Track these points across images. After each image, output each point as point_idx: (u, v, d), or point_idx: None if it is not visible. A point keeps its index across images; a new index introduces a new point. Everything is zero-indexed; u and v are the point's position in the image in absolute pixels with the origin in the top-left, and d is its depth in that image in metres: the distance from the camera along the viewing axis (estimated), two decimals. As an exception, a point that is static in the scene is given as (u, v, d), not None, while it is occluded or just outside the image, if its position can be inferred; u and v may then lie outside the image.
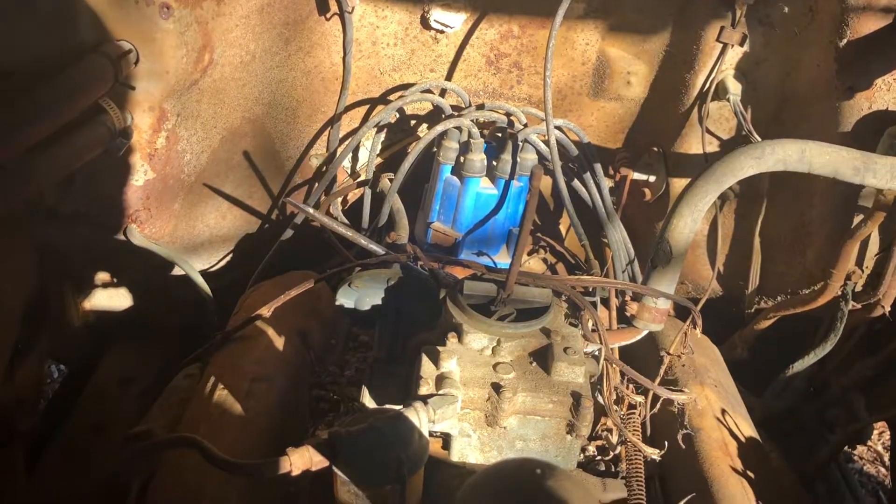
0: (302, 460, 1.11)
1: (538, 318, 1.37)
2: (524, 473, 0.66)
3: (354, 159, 2.10)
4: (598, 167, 1.99)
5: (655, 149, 2.04)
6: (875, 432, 3.09)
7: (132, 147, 1.64)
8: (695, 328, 1.50)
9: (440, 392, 1.27)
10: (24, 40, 1.42)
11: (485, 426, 1.29)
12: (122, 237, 1.73)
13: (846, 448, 2.45)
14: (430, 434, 1.25)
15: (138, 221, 1.73)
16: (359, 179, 2.07)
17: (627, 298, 1.61)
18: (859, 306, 1.83)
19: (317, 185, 2.03)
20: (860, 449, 3.38)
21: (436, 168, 1.92)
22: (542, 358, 1.33)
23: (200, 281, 1.91)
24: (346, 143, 2.00)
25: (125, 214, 1.72)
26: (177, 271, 1.91)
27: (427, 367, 1.31)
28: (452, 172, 1.91)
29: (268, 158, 1.99)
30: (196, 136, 1.76)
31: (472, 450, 1.31)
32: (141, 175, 1.68)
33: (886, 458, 3.45)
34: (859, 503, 2.23)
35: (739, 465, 1.49)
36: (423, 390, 1.27)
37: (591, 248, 1.96)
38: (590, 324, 1.44)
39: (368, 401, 1.44)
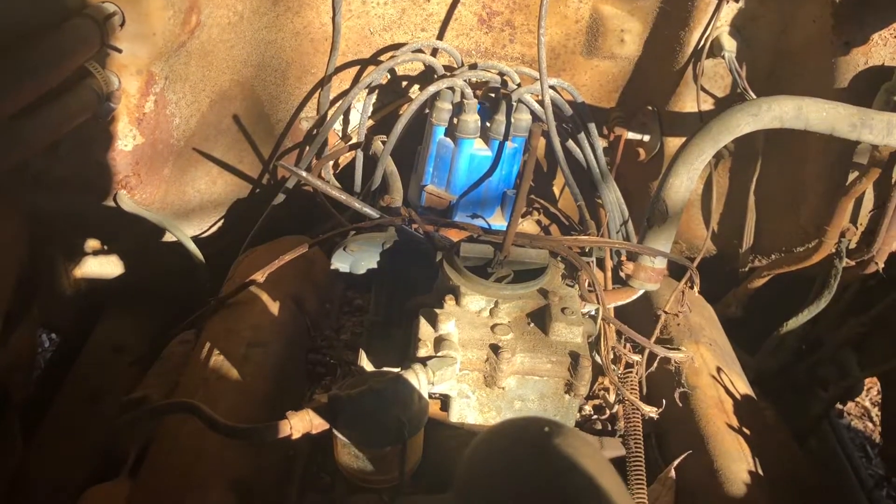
0: (302, 423, 1.11)
1: (535, 280, 1.37)
2: (532, 431, 0.66)
3: (346, 122, 2.08)
4: (593, 127, 1.97)
5: (650, 108, 2.02)
6: (864, 389, 3.13)
7: (120, 112, 1.61)
8: (692, 287, 1.50)
9: (438, 354, 1.26)
10: (6, 3, 1.38)
11: (483, 387, 1.30)
12: (111, 203, 1.71)
13: (837, 404, 2.47)
14: (430, 396, 1.26)
15: (128, 187, 1.71)
16: (350, 142, 2.04)
17: (623, 259, 1.61)
18: (853, 263, 1.84)
19: (308, 148, 2.00)
20: (848, 405, 3.43)
21: (429, 130, 1.90)
22: (540, 319, 1.33)
23: (192, 247, 1.90)
24: (337, 105, 1.97)
25: (114, 180, 1.69)
26: (168, 237, 1.90)
27: (425, 329, 1.30)
28: (446, 134, 1.88)
29: (257, 122, 1.96)
30: (185, 99, 1.73)
31: (471, 410, 1.32)
32: (129, 140, 1.65)
33: (874, 413, 3.51)
34: (849, 457, 2.26)
35: (735, 422, 1.51)
36: (422, 352, 1.27)
37: (586, 209, 1.95)
38: (587, 284, 1.44)
39: (366, 364, 1.44)
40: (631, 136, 2.04)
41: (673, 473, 1.42)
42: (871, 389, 3.48)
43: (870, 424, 3.52)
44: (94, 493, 1.32)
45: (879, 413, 3.49)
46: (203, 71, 1.74)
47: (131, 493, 1.24)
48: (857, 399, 3.43)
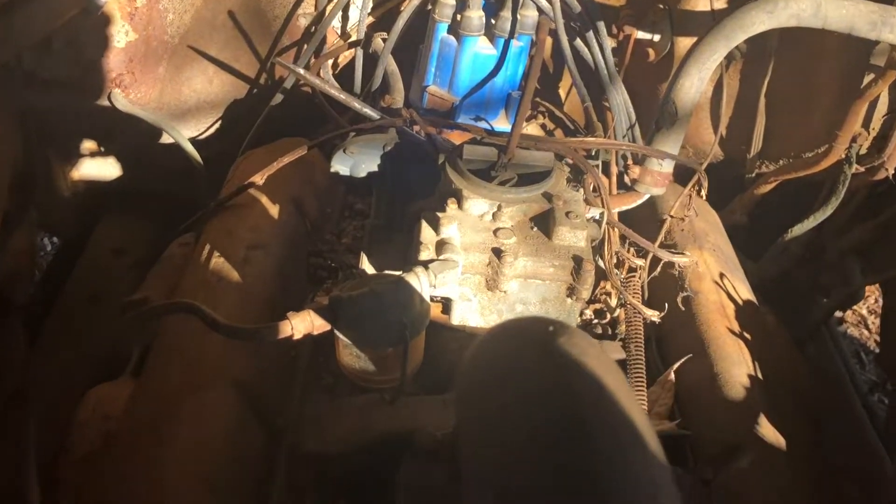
0: (303, 324, 1.11)
1: (540, 183, 1.34)
2: (536, 330, 0.64)
3: (345, 18, 2.00)
4: (601, 25, 1.90)
5: (661, 6, 1.94)
6: (861, 296, 3.15)
7: (111, 7, 1.55)
8: (700, 191, 1.47)
9: (440, 257, 1.25)
10: None
11: (485, 290, 1.29)
12: (106, 103, 1.67)
13: (837, 312, 2.48)
14: (431, 299, 1.25)
15: (122, 86, 1.66)
16: (350, 40, 1.98)
17: (629, 162, 1.58)
18: (863, 169, 1.80)
19: (306, 46, 1.94)
20: (846, 312, 3.46)
21: (431, 26, 1.83)
22: (544, 222, 1.31)
23: (190, 148, 1.86)
24: (336, 0, 1.89)
25: (108, 78, 1.65)
26: (165, 139, 1.86)
27: (427, 232, 1.29)
28: (449, 31, 1.82)
29: (253, 18, 1.89)
30: (177, -7, 1.66)
31: (473, 314, 1.32)
32: (122, 36, 1.60)
33: (870, 321, 3.55)
34: (846, 363, 2.29)
35: (736, 327, 1.51)
36: (423, 256, 1.26)
37: (593, 111, 1.90)
38: (592, 188, 1.42)
39: (367, 267, 1.43)
40: (641, 35, 1.97)
41: (672, 377, 1.43)
42: (869, 298, 3.51)
43: (865, 332, 3.56)
44: (97, 392, 1.33)
45: (876, 321, 3.52)
46: (195, -37, 1.67)
47: (133, 393, 1.25)
48: (854, 307, 3.46)
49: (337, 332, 1.14)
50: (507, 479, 0.55)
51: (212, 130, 2.01)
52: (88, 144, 1.99)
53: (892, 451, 1.67)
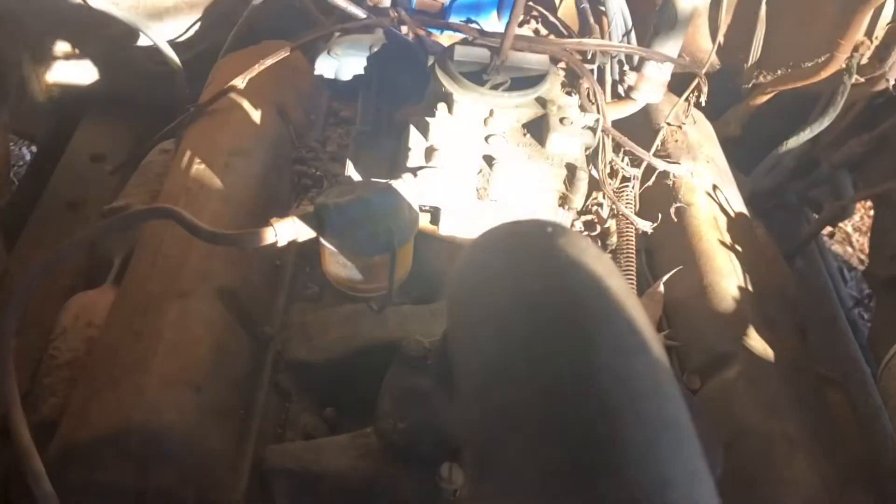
0: (287, 231, 1.08)
1: (534, 87, 1.29)
2: (534, 232, 0.62)
3: (329, -89, 1.90)
4: (598, -77, 1.81)
5: None
6: (846, 214, 3.15)
7: None
8: (699, 97, 1.43)
9: (429, 164, 1.21)
10: None
11: (475, 199, 1.26)
12: (79, 0, 1.59)
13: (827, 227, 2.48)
14: (420, 207, 1.22)
15: (94, -18, 1.58)
16: (334, -64, 1.88)
17: (625, 69, 1.53)
18: (863, 80, 1.76)
19: (288, -58, 1.84)
20: (830, 229, 3.47)
21: (420, -78, 1.74)
22: (537, 129, 1.27)
23: (169, 51, 1.79)
24: None
25: (79, -26, 1.57)
26: (143, 41, 1.79)
27: (415, 138, 1.24)
28: (439, -73, 1.73)
29: None
30: None
31: (462, 222, 1.29)
32: (92, -74, 1.51)
33: (854, 238, 3.56)
34: (832, 277, 2.30)
35: (728, 240, 1.49)
36: (412, 162, 1.22)
37: (590, 14, 1.82)
38: (587, 93, 1.37)
39: (354, 174, 1.39)
40: (640, -65, 1.88)
41: (662, 288, 1.42)
42: (854, 216, 3.52)
43: (849, 249, 3.58)
44: (79, 299, 1.31)
45: (860, 238, 3.54)
46: None
47: (116, 300, 1.23)
48: (840, 224, 3.46)
49: (323, 240, 1.11)
50: (501, 384, 0.53)
51: (191, 32, 1.94)
52: (63, 46, 1.91)
53: (874, 362, 1.69)
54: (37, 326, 1.31)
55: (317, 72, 1.45)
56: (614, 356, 0.51)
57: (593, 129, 1.30)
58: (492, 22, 1.81)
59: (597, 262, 0.57)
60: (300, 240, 1.10)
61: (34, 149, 2.94)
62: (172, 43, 1.87)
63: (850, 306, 2.28)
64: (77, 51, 1.93)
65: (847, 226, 3.62)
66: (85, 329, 1.24)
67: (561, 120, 1.25)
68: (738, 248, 1.48)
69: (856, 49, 1.72)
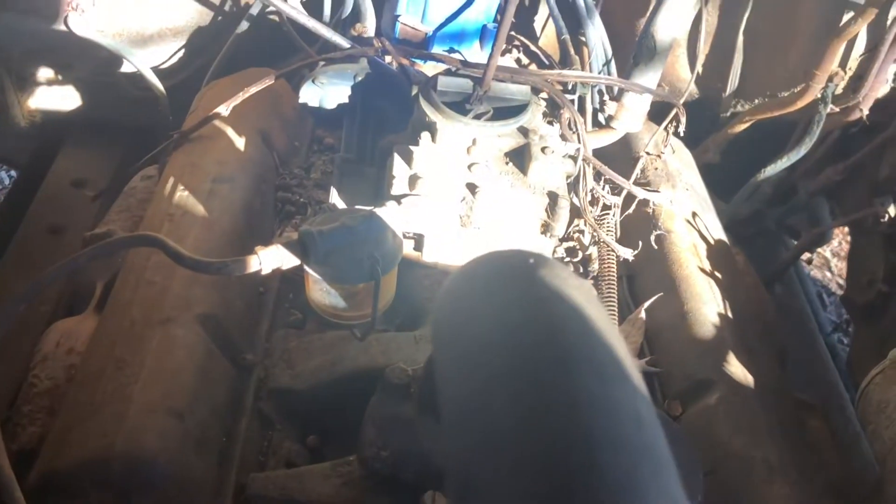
0: (272, 259, 1.08)
1: (515, 117, 1.31)
2: (516, 262, 0.63)
3: (313, -59, 1.92)
4: (579, -45, 1.85)
5: (640, -63, 1.89)
6: (825, 240, 3.20)
7: (65, -78, 1.47)
8: (677, 127, 1.45)
9: (413, 192, 1.22)
10: None
11: (458, 226, 1.27)
12: (62, 27, 1.60)
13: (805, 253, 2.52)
14: (403, 235, 1.23)
15: (79, 9, 1.59)
16: (319, -35, 1.90)
17: (605, 99, 1.55)
18: (837, 110, 1.80)
19: (273, -29, 1.86)
20: (807, 255, 3.52)
21: (404, -47, 1.76)
22: (519, 158, 1.29)
23: (152, 77, 1.80)
24: (305, -76, 1.81)
25: (63, 1, 1.57)
26: (126, 67, 1.79)
27: (399, 166, 1.26)
28: (422, -42, 1.75)
29: (219, -60, 1.81)
30: None
31: (445, 250, 1.30)
32: (78, -45, 1.52)
33: (833, 263, 3.61)
34: (811, 303, 2.32)
35: (707, 266, 1.51)
36: (396, 190, 1.23)
37: (571, 45, 1.85)
38: (568, 123, 1.39)
39: (337, 202, 1.39)
40: (619, -33, 1.92)
41: (643, 315, 1.44)
42: (833, 241, 3.57)
43: (828, 274, 3.63)
44: (60, 326, 1.30)
45: (839, 264, 3.59)
46: None
47: (97, 327, 1.22)
48: (818, 249, 3.51)
49: (307, 268, 1.12)
50: (483, 412, 0.54)
51: (175, 59, 1.94)
52: (45, 72, 1.91)
53: (853, 387, 1.71)
54: (16, 353, 1.30)
55: (301, 100, 1.46)
56: (594, 385, 0.52)
57: (574, 158, 1.32)
58: (474, 52, 1.83)
59: (577, 292, 0.58)
60: (284, 267, 1.11)
61: (13, 173, 2.94)
62: (156, 69, 1.87)
63: (829, 331, 2.31)
64: (60, 77, 1.93)
65: (826, 251, 3.67)
66: (66, 356, 1.23)
67: (542, 149, 1.27)
68: (718, 275, 1.50)
69: (830, 79, 1.76)
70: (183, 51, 1.94)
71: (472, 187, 1.23)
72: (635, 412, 0.52)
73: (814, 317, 2.26)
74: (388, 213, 1.16)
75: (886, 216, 1.87)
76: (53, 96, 1.96)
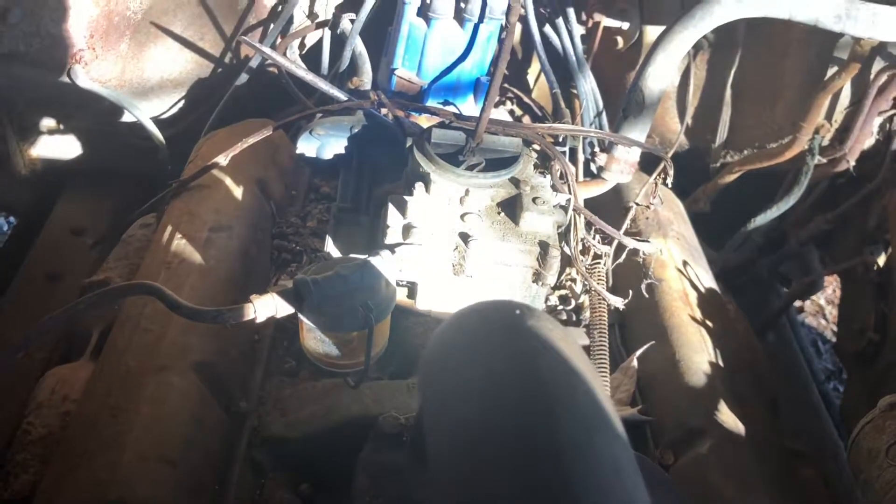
0: (266, 307, 1.10)
1: (507, 168, 1.34)
2: (503, 313, 0.64)
3: (312, -2, 1.98)
4: (571, 12, 1.90)
5: (630, -6, 1.95)
6: (819, 287, 3.22)
7: (71, -22, 1.51)
8: (665, 179, 1.48)
9: (407, 241, 1.24)
10: None
11: (451, 275, 1.29)
12: (66, 79, 1.63)
13: (797, 301, 2.54)
14: (397, 283, 1.24)
15: (83, 62, 1.63)
16: (318, 20, 1.95)
17: (596, 150, 1.58)
18: (825, 161, 1.84)
19: (272, 25, 1.91)
20: (804, 302, 3.54)
21: (400, 8, 1.81)
22: (511, 208, 1.31)
23: (152, 127, 1.83)
24: (304, -20, 1.87)
25: (68, 54, 1.61)
26: (127, 117, 1.82)
27: (393, 216, 1.28)
28: (418, 14, 1.80)
29: (220, -5, 1.86)
30: (140, -33, 1.63)
31: (438, 298, 1.31)
32: (83, 10, 1.56)
33: (828, 311, 3.62)
34: (804, 351, 2.34)
35: (698, 315, 1.53)
36: (390, 239, 1.25)
37: (561, 98, 1.90)
38: (559, 174, 1.42)
39: (333, 250, 1.41)
40: (609, 23, 1.97)
41: (635, 363, 1.45)
42: (827, 288, 3.59)
43: (823, 322, 3.64)
44: (56, 373, 1.30)
45: (834, 311, 3.60)
46: (159, -64, 1.63)
47: (93, 375, 1.23)
48: (813, 297, 3.53)
49: (301, 316, 1.13)
50: (471, 460, 0.55)
51: (175, 109, 1.98)
52: (47, 122, 1.94)
53: (846, 436, 1.71)
54: (11, 400, 1.31)
55: (299, 150, 1.49)
56: (576, 434, 0.54)
57: (565, 209, 1.35)
58: (469, 104, 1.87)
59: (562, 342, 0.60)
60: (279, 316, 1.12)
61: (12, 219, 2.96)
62: (157, 119, 1.91)
63: (822, 379, 2.32)
64: (62, 126, 1.96)
65: (820, 299, 3.68)
66: (61, 404, 1.24)
67: (534, 199, 1.29)
68: (709, 323, 1.52)
69: (817, 131, 1.80)
70: (183, 101, 1.97)
71: (464, 237, 1.25)
72: (615, 461, 0.53)
73: (807, 365, 2.27)
74: (381, 261, 1.18)
75: (876, 265, 1.90)
76: (54, 145, 1.98)
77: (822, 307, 3.70)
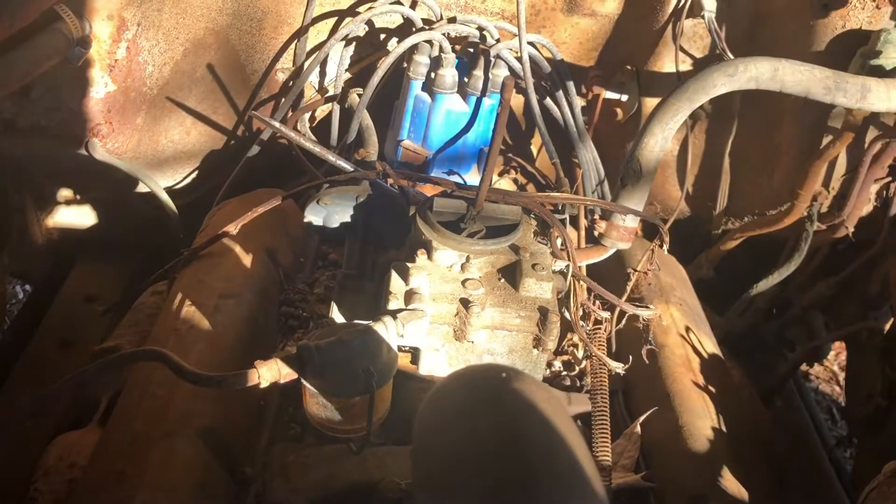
0: (270, 373, 1.12)
1: (507, 235, 1.37)
2: (490, 376, 0.67)
3: (322, 74, 2.05)
4: (571, 85, 1.97)
5: (629, 67, 2.01)
6: (832, 353, 3.20)
7: (91, 58, 1.58)
8: (662, 246, 1.51)
9: (409, 307, 1.27)
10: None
11: (453, 340, 1.31)
12: (83, 152, 1.69)
13: (804, 366, 2.53)
14: (399, 348, 1.26)
15: (100, 135, 1.69)
16: (327, 95, 2.02)
17: (596, 217, 1.62)
18: (824, 227, 1.86)
19: (283, 100, 1.98)
20: (817, 368, 3.51)
21: (406, 84, 1.88)
22: (511, 274, 1.34)
23: (165, 197, 1.88)
24: (314, 56, 1.94)
25: (86, 128, 1.67)
26: (141, 188, 1.88)
27: (396, 282, 1.31)
28: (423, 89, 1.87)
29: (232, 72, 1.93)
30: (158, 47, 1.70)
31: (441, 363, 1.33)
32: (101, 87, 1.63)
33: (841, 377, 3.59)
34: (813, 417, 2.32)
35: (701, 381, 1.53)
36: (392, 305, 1.28)
37: (561, 168, 1.95)
38: (558, 241, 1.45)
39: (337, 316, 1.44)
40: (609, 95, 2.04)
41: (639, 429, 1.45)
42: (840, 354, 3.56)
43: (836, 388, 3.60)
44: (64, 440, 1.33)
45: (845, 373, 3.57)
46: (176, 18, 1.71)
47: (100, 441, 1.25)
48: (826, 363, 3.50)
49: (304, 381, 1.15)
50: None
51: (188, 180, 2.04)
52: (64, 192, 2.00)
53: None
54: (19, 466, 1.32)
55: (306, 219, 1.53)
56: (554, 496, 0.55)
57: (564, 275, 1.37)
58: (472, 173, 1.92)
59: (546, 404, 0.62)
60: (282, 381, 1.14)
61: (27, 287, 3.01)
62: (170, 189, 1.96)
63: (832, 446, 2.29)
64: (78, 196, 2.02)
65: (833, 365, 3.65)
66: (68, 470, 1.25)
67: (533, 266, 1.32)
68: (712, 389, 1.52)
69: (814, 198, 1.83)
70: (196, 172, 2.04)
71: (465, 302, 1.28)
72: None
73: (817, 431, 2.25)
74: (384, 327, 1.20)
75: (881, 330, 1.91)
76: (70, 215, 2.04)
77: (835, 373, 3.66)
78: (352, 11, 1.98)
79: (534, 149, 2.25)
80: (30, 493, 1.24)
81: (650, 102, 2.00)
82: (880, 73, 1.60)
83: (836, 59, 1.67)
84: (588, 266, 1.65)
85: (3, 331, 2.00)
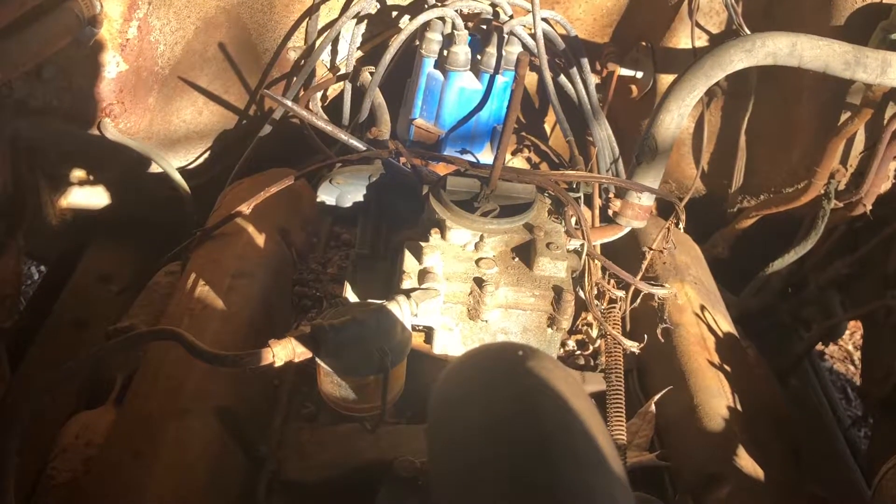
0: (284, 352, 1.12)
1: (521, 214, 1.36)
2: (506, 354, 0.66)
3: (334, 52, 2.04)
4: (585, 62, 1.94)
5: (644, 43, 1.99)
6: (847, 332, 3.19)
7: (102, 37, 1.58)
8: (678, 224, 1.50)
9: (423, 286, 1.27)
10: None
11: (467, 319, 1.31)
12: (96, 132, 1.69)
13: (819, 346, 2.51)
14: (413, 327, 1.26)
15: (112, 115, 1.69)
16: (339, 73, 2.01)
17: (611, 196, 1.60)
18: (841, 205, 1.84)
19: (295, 79, 1.97)
20: (831, 348, 3.49)
21: (418, 61, 1.87)
22: (525, 253, 1.33)
23: (178, 177, 1.88)
24: (325, 34, 1.93)
25: (98, 108, 1.67)
26: (154, 168, 1.88)
27: (410, 261, 1.30)
28: (435, 66, 1.85)
29: (244, 51, 1.92)
30: (169, 26, 1.69)
31: (455, 342, 1.33)
32: (113, 67, 1.62)
33: (856, 356, 3.57)
34: (828, 396, 2.30)
35: (716, 359, 1.52)
36: (406, 284, 1.27)
37: (575, 146, 1.93)
38: (573, 220, 1.44)
39: (351, 295, 1.44)
40: (624, 72, 2.01)
41: (653, 408, 1.44)
42: (855, 333, 3.54)
43: (851, 367, 3.58)
44: (80, 419, 1.33)
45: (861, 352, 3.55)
46: (187, -3, 1.70)
47: (116, 420, 1.26)
48: (841, 342, 3.49)
49: (318, 360, 1.15)
50: (468, 496, 0.57)
51: (201, 160, 2.03)
52: (77, 173, 2.00)
53: (871, 484, 1.68)
54: (35, 446, 1.33)
55: (319, 199, 1.53)
56: (570, 471, 0.55)
57: (579, 253, 1.36)
58: (486, 152, 1.91)
59: (562, 383, 0.61)
60: (296, 360, 1.14)
61: (42, 268, 3.02)
62: (182, 169, 1.96)
63: (848, 425, 2.28)
64: (91, 177, 2.02)
65: (848, 344, 3.63)
66: (84, 449, 1.26)
67: (548, 245, 1.31)
68: (727, 368, 1.51)
69: (832, 176, 1.81)
70: (208, 152, 2.03)
71: (479, 281, 1.27)
72: (611, 498, 0.54)
73: (832, 410, 2.23)
74: (397, 306, 1.20)
75: (898, 309, 1.88)
76: (84, 196, 2.04)
77: (850, 353, 3.65)
78: (363, -11, 1.96)
79: (547, 127, 2.23)
80: (47, 472, 1.25)
81: (665, 79, 1.97)
82: (900, 47, 1.57)
83: (855, 33, 1.64)
84: (603, 245, 1.64)
85: (19, 311, 2.01)
